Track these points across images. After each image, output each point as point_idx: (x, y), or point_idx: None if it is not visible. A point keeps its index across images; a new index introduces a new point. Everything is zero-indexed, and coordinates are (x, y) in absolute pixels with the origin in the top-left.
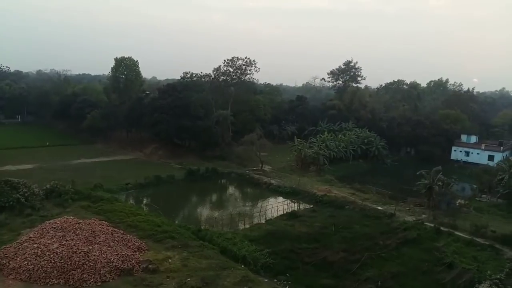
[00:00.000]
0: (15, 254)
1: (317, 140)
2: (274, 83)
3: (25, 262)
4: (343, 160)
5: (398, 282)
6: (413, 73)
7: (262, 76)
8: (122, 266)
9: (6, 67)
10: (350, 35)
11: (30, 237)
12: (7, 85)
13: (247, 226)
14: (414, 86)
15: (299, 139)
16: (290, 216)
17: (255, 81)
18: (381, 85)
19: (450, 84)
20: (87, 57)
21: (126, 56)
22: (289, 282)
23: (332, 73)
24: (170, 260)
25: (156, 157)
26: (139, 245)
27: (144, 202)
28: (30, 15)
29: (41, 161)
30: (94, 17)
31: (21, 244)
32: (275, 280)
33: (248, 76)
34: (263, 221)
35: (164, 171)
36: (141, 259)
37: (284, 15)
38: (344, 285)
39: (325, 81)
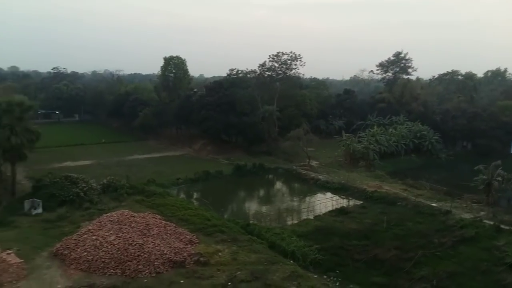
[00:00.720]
0: (76, 245)
1: (366, 134)
2: (320, 77)
3: (85, 253)
4: (394, 155)
5: (454, 282)
6: (468, 64)
7: (308, 70)
8: (175, 258)
9: (64, 68)
10: (399, 27)
11: (89, 229)
12: (65, 85)
13: (295, 221)
14: (469, 76)
15: (347, 134)
16: (339, 212)
17: (300, 75)
18: (434, 76)
19: (509, 74)
20: (138, 57)
21: (174, 55)
22: (339, 279)
23: (381, 65)
24: (220, 254)
25: (204, 153)
26: (191, 238)
27: (194, 196)
28: (85, 21)
29: (98, 158)
30: (144, 18)
31: (81, 236)
32: (325, 277)
33: (293, 71)
34: (311, 217)
35: (213, 166)
36: (193, 252)
37: (330, 8)
38: (396, 284)
39: (373, 73)
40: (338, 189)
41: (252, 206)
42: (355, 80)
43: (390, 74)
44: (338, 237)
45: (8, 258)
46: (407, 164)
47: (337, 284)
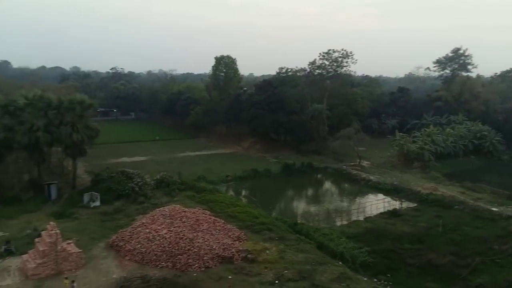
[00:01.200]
0: (130, 237)
1: (421, 134)
2: (373, 74)
3: (139, 245)
4: (452, 156)
5: None
6: None
7: (359, 68)
8: (223, 254)
9: (121, 68)
10: (457, 25)
11: (142, 223)
12: (122, 85)
13: (345, 222)
14: None
15: (400, 133)
16: (391, 214)
17: (352, 73)
18: (496, 73)
19: None
20: (191, 57)
21: (225, 54)
22: (390, 283)
23: (438, 61)
24: (267, 251)
25: (253, 151)
26: (239, 235)
27: (243, 194)
28: (141, 22)
29: (152, 154)
30: (197, 19)
31: (135, 229)
32: (375, 280)
33: (344, 68)
34: (362, 218)
35: (261, 164)
36: (241, 248)
37: (383, 6)
38: None
39: (430, 70)
40: (390, 191)
41: (300, 205)
42: (410, 78)
43: (448, 71)
44: (390, 240)
45: (68, 248)
46: (465, 165)
47: None
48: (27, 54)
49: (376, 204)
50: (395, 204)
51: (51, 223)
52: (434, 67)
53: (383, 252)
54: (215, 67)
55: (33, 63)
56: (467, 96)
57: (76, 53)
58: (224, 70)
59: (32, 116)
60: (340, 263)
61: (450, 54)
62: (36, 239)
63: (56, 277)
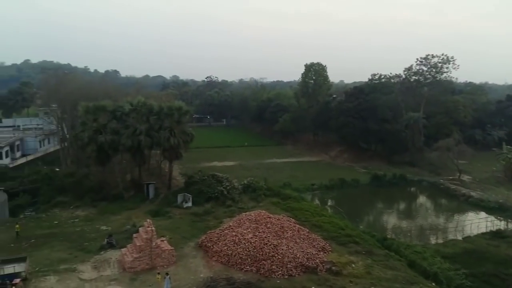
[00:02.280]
0: (218, 239)
1: None
2: (477, 81)
3: (225, 248)
4: None
5: None
6: None
7: (462, 74)
8: (307, 263)
9: (216, 77)
10: None
11: (229, 226)
12: (216, 93)
13: (440, 241)
14: None
15: (508, 146)
16: (495, 235)
17: (453, 79)
18: None
19: None
20: (281, 65)
21: (315, 62)
22: None
23: None
24: (353, 265)
25: (341, 160)
26: (323, 245)
27: (328, 203)
28: (234, 35)
29: (241, 159)
30: (285, 29)
31: (223, 231)
32: None
33: (444, 74)
34: (460, 238)
35: (349, 174)
36: (325, 259)
37: (489, 3)
38: None
39: None
40: (494, 209)
41: (390, 220)
42: None
43: None
44: (492, 263)
45: (162, 245)
46: None
47: None
48: (134, 64)
49: (478, 223)
50: (500, 224)
51: (148, 220)
52: None
53: (483, 276)
54: (305, 74)
55: (139, 73)
56: None
57: (176, 64)
58: (314, 77)
59: (135, 121)
60: (433, 284)
61: None
62: (134, 235)
63: (150, 271)
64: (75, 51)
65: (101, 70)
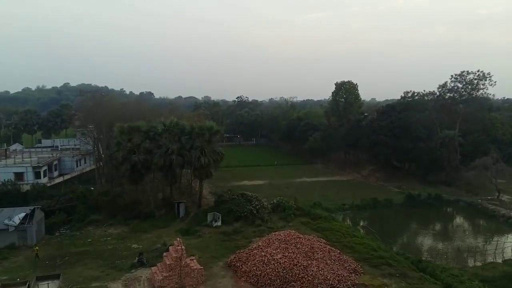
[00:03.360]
0: (247, 259)
1: None
2: None
3: (254, 268)
4: None
5: None
6: None
7: (499, 90)
8: (338, 286)
9: (246, 97)
10: None
11: (259, 245)
12: (246, 112)
13: (478, 264)
14: None
15: None
16: None
17: (490, 96)
18: None
19: None
20: (311, 84)
21: (346, 80)
22: None
23: None
24: None
25: (373, 179)
26: (355, 267)
27: (360, 224)
28: (262, 56)
29: (270, 178)
30: (315, 47)
31: (252, 251)
32: None
33: (481, 91)
34: (500, 261)
35: (381, 194)
36: (357, 281)
37: None
38: None
39: None
40: None
41: (425, 241)
42: None
43: None
44: None
45: (191, 264)
46: None
47: None
48: (167, 86)
49: None
50: None
51: (178, 239)
52: None
53: None
54: (335, 93)
55: (172, 94)
56: None
57: (208, 84)
58: (345, 96)
59: (168, 140)
60: None
61: None
62: (164, 253)
63: None
64: (112, 74)
65: (136, 92)
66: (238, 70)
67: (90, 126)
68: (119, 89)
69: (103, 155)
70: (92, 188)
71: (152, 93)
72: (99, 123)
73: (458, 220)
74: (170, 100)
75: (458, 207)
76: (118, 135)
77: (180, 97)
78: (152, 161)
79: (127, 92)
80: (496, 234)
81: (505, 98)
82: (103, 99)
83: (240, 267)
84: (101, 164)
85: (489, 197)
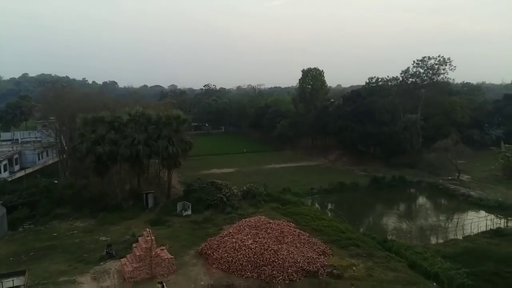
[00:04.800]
0: (218, 246)
1: None
2: (474, 81)
3: (225, 254)
4: None
5: None
6: None
7: (459, 75)
8: (308, 268)
9: (213, 85)
10: None
11: (230, 232)
12: (214, 100)
13: (440, 241)
14: None
15: (506, 145)
16: (495, 233)
17: (450, 81)
18: None
19: None
20: (278, 72)
21: (312, 67)
22: None
23: None
24: (354, 268)
25: (340, 163)
26: (324, 249)
27: (328, 207)
28: (229, 45)
29: (239, 166)
30: (281, 35)
31: (223, 238)
32: None
33: (441, 76)
34: (460, 237)
35: (348, 177)
36: (326, 263)
37: (484, 8)
38: None
39: None
40: (494, 208)
41: (390, 222)
42: None
43: None
44: (493, 261)
45: (161, 254)
46: None
47: None
48: (132, 75)
49: (477, 222)
50: (500, 222)
51: (147, 229)
52: None
53: (485, 275)
54: (302, 80)
55: (137, 83)
56: None
57: (174, 73)
58: (311, 83)
59: (134, 131)
60: (434, 284)
61: None
62: (134, 244)
63: (150, 281)
64: (73, 63)
65: (99, 81)
66: (205, 58)
67: (52, 118)
68: (81, 78)
69: (66, 147)
70: (56, 182)
71: (116, 83)
72: (60, 114)
73: (421, 200)
74: (135, 89)
75: (420, 188)
76: (81, 126)
77: (145, 86)
78: (118, 152)
79: (90, 82)
80: (456, 212)
81: (464, 82)
82: (64, 89)
83: (211, 254)
84: (64, 156)
85: (449, 178)
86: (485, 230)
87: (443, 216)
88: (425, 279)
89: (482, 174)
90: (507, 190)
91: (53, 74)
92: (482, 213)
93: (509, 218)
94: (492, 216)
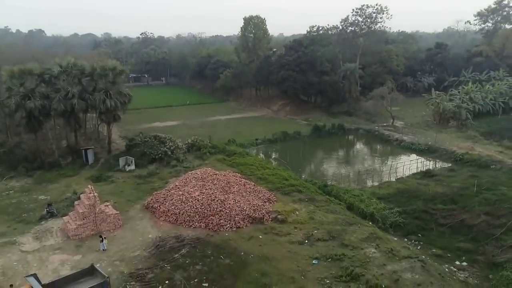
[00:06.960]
0: (164, 199)
1: (459, 92)
2: (409, 30)
3: (173, 207)
4: (491, 114)
5: None
6: None
7: (395, 24)
8: (254, 215)
9: (151, 33)
10: None
11: (176, 185)
12: (152, 50)
13: (376, 183)
14: None
15: (437, 92)
16: (424, 175)
17: (386, 29)
18: None
19: None
20: (219, 19)
21: (254, 14)
22: (421, 243)
23: (479, 14)
24: (297, 212)
25: (283, 113)
26: (269, 196)
27: (273, 156)
28: None
29: (183, 118)
30: None
31: (169, 191)
32: (405, 240)
33: (379, 25)
34: (393, 179)
35: (291, 127)
36: (271, 209)
37: None
38: (484, 250)
39: (470, 24)
40: (424, 151)
41: (330, 167)
42: (448, 33)
43: (489, 24)
44: (422, 200)
45: (106, 210)
46: (505, 124)
47: (419, 247)
48: (60, 23)
49: (409, 165)
50: (429, 164)
51: (89, 186)
52: (475, 20)
53: (414, 213)
54: (244, 28)
55: (66, 31)
56: (510, 50)
57: (107, 19)
58: (253, 31)
59: (66, 83)
60: (370, 223)
61: (493, 6)
62: (76, 202)
63: (96, 237)
64: None
65: (24, 30)
66: (140, 4)
67: None
68: (3, 27)
69: None
70: None
71: (43, 31)
72: None
73: (358, 146)
74: (64, 38)
75: (358, 135)
76: (7, 79)
77: (76, 34)
78: (51, 106)
79: (13, 31)
80: (390, 156)
81: (400, 31)
82: None
83: (158, 207)
84: None
85: (385, 124)
86: (415, 172)
87: (378, 160)
88: (361, 219)
89: (414, 120)
90: (436, 134)
91: None
92: (414, 156)
93: (437, 160)
94: (422, 158)
